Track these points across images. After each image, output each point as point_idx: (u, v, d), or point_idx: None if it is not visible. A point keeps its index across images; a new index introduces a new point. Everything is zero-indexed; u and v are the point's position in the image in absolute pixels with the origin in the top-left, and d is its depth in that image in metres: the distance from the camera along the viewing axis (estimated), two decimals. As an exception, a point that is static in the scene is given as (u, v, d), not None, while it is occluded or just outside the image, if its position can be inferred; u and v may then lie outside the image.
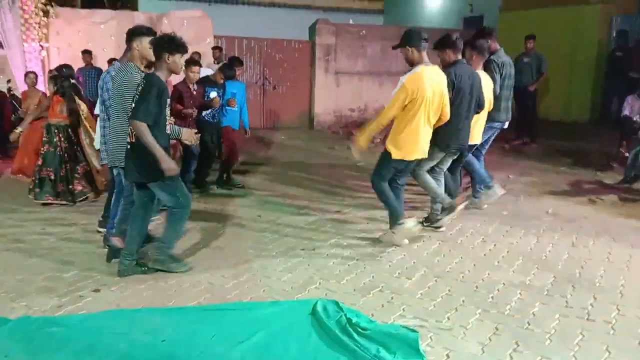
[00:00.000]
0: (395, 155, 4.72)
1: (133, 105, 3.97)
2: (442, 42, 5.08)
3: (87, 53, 9.70)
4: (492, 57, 5.80)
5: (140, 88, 3.97)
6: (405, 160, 4.77)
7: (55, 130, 6.19)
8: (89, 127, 6.21)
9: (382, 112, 4.71)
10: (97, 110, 5.08)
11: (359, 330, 3.22)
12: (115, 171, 4.62)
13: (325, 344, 3.14)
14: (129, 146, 4.08)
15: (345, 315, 3.38)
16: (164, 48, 3.95)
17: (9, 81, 11.70)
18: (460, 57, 5.11)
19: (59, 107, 6.17)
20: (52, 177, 6.16)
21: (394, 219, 4.89)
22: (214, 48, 10.22)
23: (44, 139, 6.24)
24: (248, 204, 6.34)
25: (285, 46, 12.68)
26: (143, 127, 3.88)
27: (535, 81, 9.97)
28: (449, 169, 5.46)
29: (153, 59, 4.18)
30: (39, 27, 9.56)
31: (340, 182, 7.52)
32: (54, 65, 9.50)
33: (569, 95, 12.11)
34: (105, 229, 4.91)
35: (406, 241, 4.88)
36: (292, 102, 12.75)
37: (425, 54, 4.66)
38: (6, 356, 3.01)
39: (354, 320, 3.32)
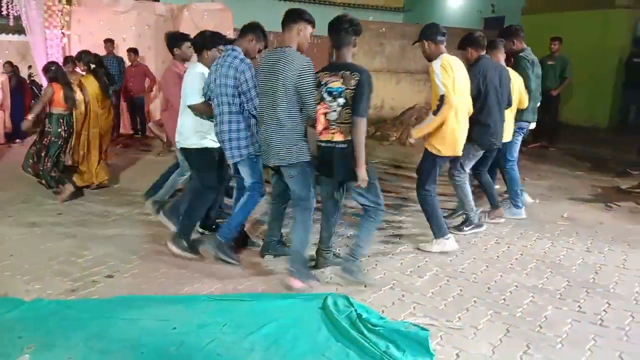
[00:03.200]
0: (437, 152, 4.53)
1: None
2: (464, 41, 5.05)
3: (109, 42, 9.74)
4: (521, 54, 5.70)
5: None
6: (444, 157, 4.58)
7: (61, 120, 5.90)
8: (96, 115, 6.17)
9: (444, 108, 4.33)
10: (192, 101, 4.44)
11: (369, 326, 3.22)
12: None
13: (335, 338, 3.14)
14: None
15: (356, 310, 3.38)
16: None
17: (29, 67, 11.78)
18: (483, 53, 5.03)
19: (62, 95, 5.87)
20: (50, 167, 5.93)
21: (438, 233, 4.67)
22: (233, 41, 10.22)
23: (46, 129, 5.93)
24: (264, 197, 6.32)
25: (304, 41, 12.65)
26: None
27: (558, 86, 9.71)
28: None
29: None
30: (61, 15, 9.61)
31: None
32: (74, 52, 9.59)
33: (590, 100, 11.95)
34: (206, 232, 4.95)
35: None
36: (308, 98, 12.72)
37: (444, 47, 4.45)
38: (20, 337, 3.05)
39: (364, 316, 3.32)
